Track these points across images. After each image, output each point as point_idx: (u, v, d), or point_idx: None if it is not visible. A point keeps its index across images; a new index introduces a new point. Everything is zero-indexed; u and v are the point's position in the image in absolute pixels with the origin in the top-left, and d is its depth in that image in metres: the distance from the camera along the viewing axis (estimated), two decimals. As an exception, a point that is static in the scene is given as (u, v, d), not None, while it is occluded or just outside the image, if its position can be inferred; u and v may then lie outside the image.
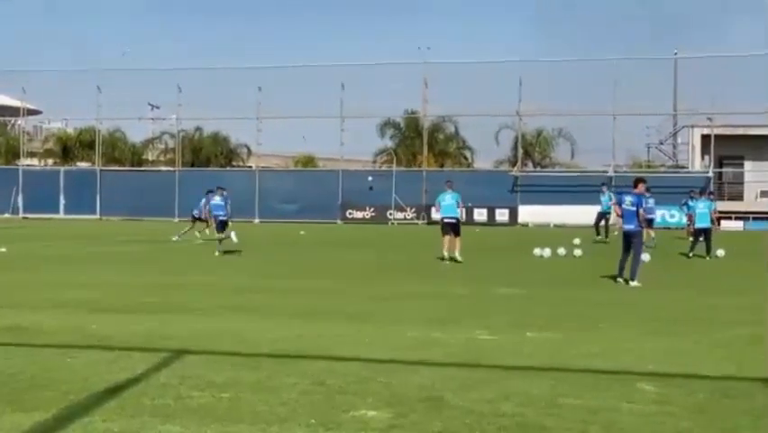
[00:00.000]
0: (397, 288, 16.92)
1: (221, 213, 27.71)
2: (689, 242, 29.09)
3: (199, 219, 34.38)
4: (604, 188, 37.84)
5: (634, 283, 17.50)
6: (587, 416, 6.74)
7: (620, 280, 18.06)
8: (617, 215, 19.14)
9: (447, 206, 24.50)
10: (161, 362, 8.73)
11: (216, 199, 28.32)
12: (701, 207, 27.38)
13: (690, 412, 6.89)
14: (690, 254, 26.12)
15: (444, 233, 24.31)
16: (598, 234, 35.46)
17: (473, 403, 7.11)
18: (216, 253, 26.07)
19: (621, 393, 7.51)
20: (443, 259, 23.84)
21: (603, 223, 35.93)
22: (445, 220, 24.39)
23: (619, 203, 19.02)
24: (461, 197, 25.05)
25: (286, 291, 15.99)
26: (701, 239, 27.03)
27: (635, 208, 18.17)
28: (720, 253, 26.45)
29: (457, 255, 23.74)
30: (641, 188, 18.61)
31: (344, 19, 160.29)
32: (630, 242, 18.19)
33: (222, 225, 27.58)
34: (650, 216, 32.21)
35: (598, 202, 37.21)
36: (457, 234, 24.11)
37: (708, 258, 25.92)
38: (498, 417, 6.69)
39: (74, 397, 7.22)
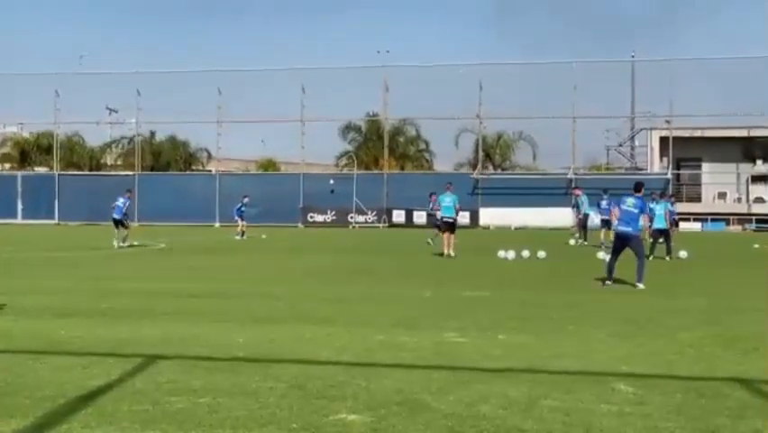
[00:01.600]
0: (361, 291, 16.93)
1: (117, 214, 32.55)
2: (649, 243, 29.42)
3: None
4: (578, 192, 37.98)
5: (641, 285, 17.27)
6: (566, 417, 6.77)
7: (608, 282, 17.75)
8: (616, 218, 18.59)
9: (446, 207, 27.62)
10: (135, 367, 8.67)
11: (119, 201, 32.94)
12: (658, 208, 27.70)
13: (668, 412, 6.95)
14: (650, 257, 26.23)
15: (443, 230, 27.76)
16: (582, 237, 35.59)
17: (452, 406, 7.12)
18: (118, 246, 31.11)
19: (598, 394, 7.56)
20: (441, 255, 26.90)
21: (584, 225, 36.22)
22: (444, 219, 27.60)
23: (617, 204, 18.52)
24: (458, 199, 28.28)
25: (250, 296, 15.90)
26: (661, 241, 27.33)
27: (637, 211, 17.77)
28: (683, 254, 26.72)
29: (451, 252, 26.76)
30: (642, 192, 18.33)
31: (304, 21, 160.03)
32: (626, 245, 17.86)
33: (116, 224, 32.51)
34: (605, 218, 32.61)
35: (559, 204, 37.50)
36: (452, 231, 27.29)
37: (667, 259, 26.18)
38: (478, 419, 6.71)
39: (50, 404, 7.14)
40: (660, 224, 27.26)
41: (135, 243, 33.73)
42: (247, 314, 13.19)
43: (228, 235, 42.82)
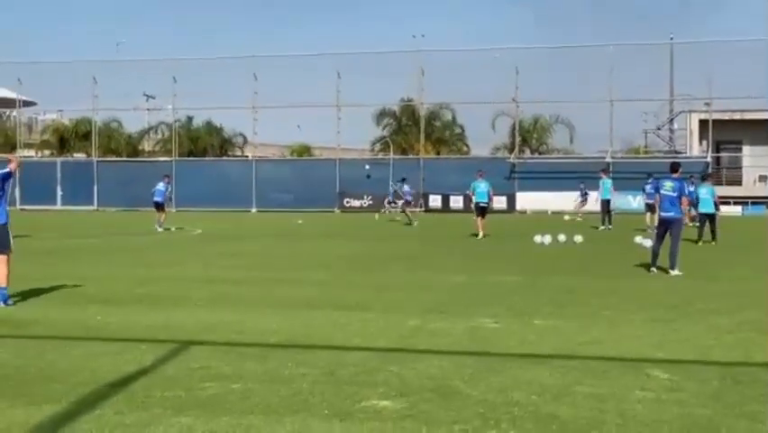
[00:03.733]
0: (396, 277, 16.87)
1: (159, 198, 34.58)
2: (688, 227, 29.10)
3: None
4: (603, 174, 37.51)
5: (675, 272, 16.87)
6: (600, 404, 6.70)
7: (654, 269, 17.32)
8: (657, 203, 18.11)
9: (481, 192, 29.85)
10: (168, 353, 8.69)
11: (160, 186, 35.12)
12: (704, 192, 27.17)
13: (705, 399, 6.86)
14: (700, 242, 25.91)
15: (477, 214, 29.81)
16: (603, 222, 35.01)
17: (485, 392, 7.07)
18: (159, 229, 32.92)
19: (633, 381, 7.48)
20: (476, 236, 28.75)
21: (605, 209, 35.64)
22: (480, 204, 29.72)
23: (656, 189, 18.07)
24: (491, 185, 30.65)
25: (284, 282, 15.89)
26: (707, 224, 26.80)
27: (676, 194, 17.27)
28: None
29: (481, 232, 28.84)
30: (679, 172, 17.82)
31: (339, 6, 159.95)
32: (668, 229, 17.36)
33: (158, 207, 34.45)
34: (650, 202, 32.33)
35: (596, 188, 37.06)
36: (483, 216, 29.52)
37: (713, 243, 25.82)
38: (511, 406, 6.65)
39: (83, 389, 7.17)
40: (707, 208, 26.81)
41: (172, 228, 34.00)
42: (281, 300, 13.21)
43: (265, 221, 42.91)
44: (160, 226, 33.49)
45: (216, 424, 6.21)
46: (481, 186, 29.88)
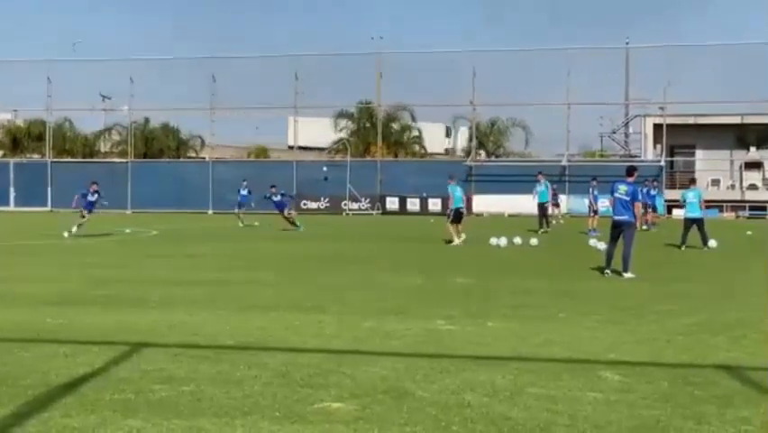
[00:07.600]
0: (353, 278, 16.85)
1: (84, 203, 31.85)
2: (643, 231, 29.30)
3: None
4: (540, 177, 36.56)
5: (628, 275, 16.92)
6: (552, 405, 6.73)
7: (608, 272, 17.34)
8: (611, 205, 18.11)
9: (458, 197, 27.87)
10: (120, 355, 8.61)
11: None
12: (691, 196, 26.10)
13: (654, 400, 6.91)
14: (683, 247, 24.94)
15: (453, 221, 27.53)
16: (540, 225, 34.65)
17: (437, 394, 7.08)
18: (66, 234, 29.71)
19: (585, 382, 7.52)
20: (450, 242, 26.94)
21: (542, 213, 35.31)
22: (460, 210, 27.71)
23: (611, 192, 17.92)
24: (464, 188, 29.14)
25: (241, 283, 15.82)
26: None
27: (629, 198, 17.39)
28: (713, 243, 25.29)
29: (456, 240, 27.11)
30: (634, 176, 17.91)
31: (297, 7, 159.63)
32: (621, 232, 17.40)
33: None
34: (595, 206, 32.70)
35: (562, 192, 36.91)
36: (460, 221, 27.59)
37: (705, 249, 24.83)
38: (463, 407, 6.67)
39: (32, 392, 7.08)
40: (694, 212, 25.76)
41: (127, 230, 33.65)
42: (237, 302, 13.13)
43: (222, 223, 42.68)
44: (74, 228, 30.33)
45: (166, 427, 6.16)
46: (458, 190, 28.14)
